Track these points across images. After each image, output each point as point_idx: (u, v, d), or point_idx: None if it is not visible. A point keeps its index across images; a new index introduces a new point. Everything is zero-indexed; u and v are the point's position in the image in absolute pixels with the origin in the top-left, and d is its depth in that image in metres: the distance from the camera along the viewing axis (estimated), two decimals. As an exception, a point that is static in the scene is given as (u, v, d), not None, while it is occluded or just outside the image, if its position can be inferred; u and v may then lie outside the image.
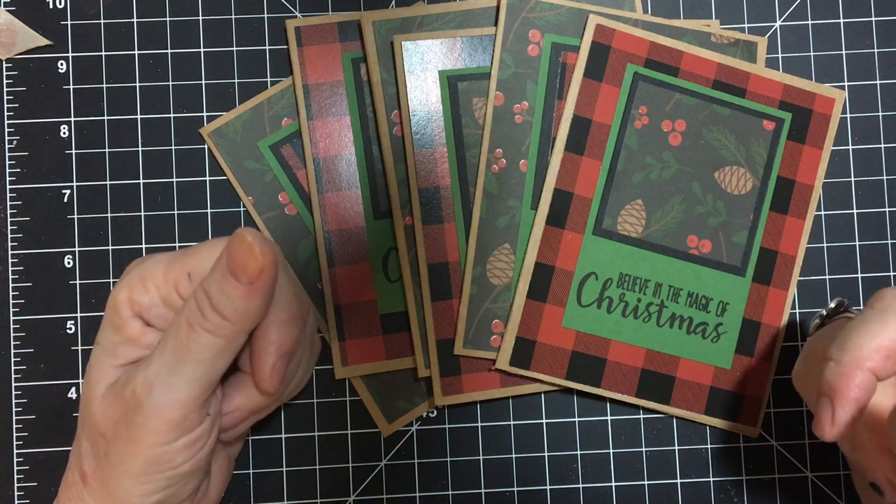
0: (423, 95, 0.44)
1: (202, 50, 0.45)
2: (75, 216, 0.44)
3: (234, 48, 0.45)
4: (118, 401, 0.33)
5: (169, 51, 0.45)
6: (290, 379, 0.39)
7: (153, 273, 0.35)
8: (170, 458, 0.34)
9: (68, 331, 0.44)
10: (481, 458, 0.44)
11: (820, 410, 0.33)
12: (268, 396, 0.37)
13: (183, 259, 0.35)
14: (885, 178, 0.45)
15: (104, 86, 0.45)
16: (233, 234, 0.32)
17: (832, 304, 0.40)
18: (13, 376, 0.44)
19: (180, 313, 0.33)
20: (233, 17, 0.45)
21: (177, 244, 0.44)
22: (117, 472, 0.34)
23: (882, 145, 0.45)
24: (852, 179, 0.45)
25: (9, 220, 0.44)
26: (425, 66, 0.44)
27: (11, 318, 0.44)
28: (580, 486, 0.44)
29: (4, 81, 0.45)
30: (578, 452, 0.44)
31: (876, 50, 0.46)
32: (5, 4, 0.45)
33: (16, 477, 0.43)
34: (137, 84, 0.45)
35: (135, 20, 0.45)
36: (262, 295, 0.33)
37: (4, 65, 0.45)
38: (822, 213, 0.45)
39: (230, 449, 0.41)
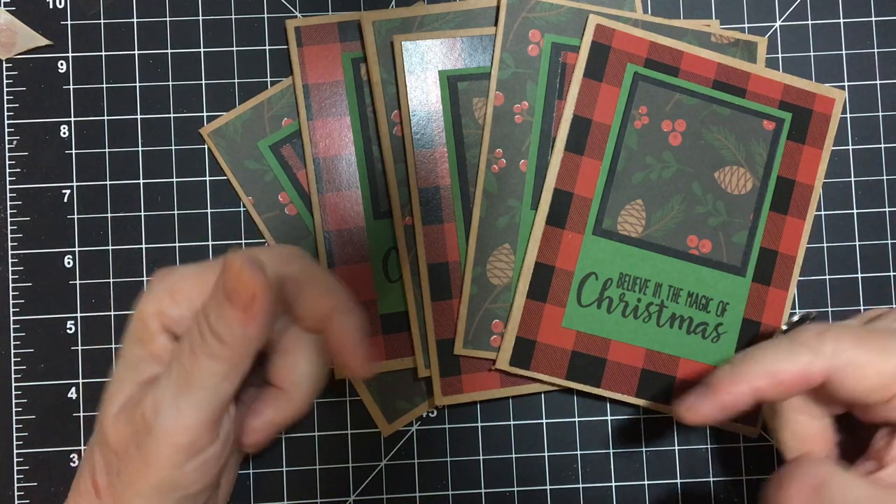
0: (423, 95, 0.44)
1: (202, 50, 0.45)
2: (75, 216, 0.44)
3: (234, 48, 0.45)
4: (129, 421, 0.33)
5: (169, 51, 0.45)
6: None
7: (182, 285, 0.34)
8: (180, 480, 0.33)
9: (68, 331, 0.44)
10: (481, 458, 0.44)
11: (692, 394, 0.35)
12: (364, 374, 0.36)
13: (214, 270, 0.33)
14: (885, 178, 0.45)
15: (104, 86, 0.45)
16: (223, 261, 0.31)
17: (795, 318, 0.41)
18: (13, 376, 0.44)
19: (184, 337, 0.32)
20: (233, 17, 0.45)
21: (177, 244, 0.44)
22: (129, 492, 0.33)
23: (882, 145, 0.45)
24: (852, 179, 0.45)
25: (9, 220, 0.44)
26: (425, 66, 0.44)
27: (11, 318, 0.44)
28: (580, 486, 0.44)
29: (4, 81, 0.45)
30: (578, 452, 0.44)
31: (876, 50, 0.46)
32: (5, 4, 0.45)
33: (16, 477, 0.43)
34: (137, 84, 0.45)
35: (135, 20, 0.45)
36: (260, 321, 0.31)
37: (4, 65, 0.45)
38: (822, 213, 0.45)
39: (238, 454, 0.40)
